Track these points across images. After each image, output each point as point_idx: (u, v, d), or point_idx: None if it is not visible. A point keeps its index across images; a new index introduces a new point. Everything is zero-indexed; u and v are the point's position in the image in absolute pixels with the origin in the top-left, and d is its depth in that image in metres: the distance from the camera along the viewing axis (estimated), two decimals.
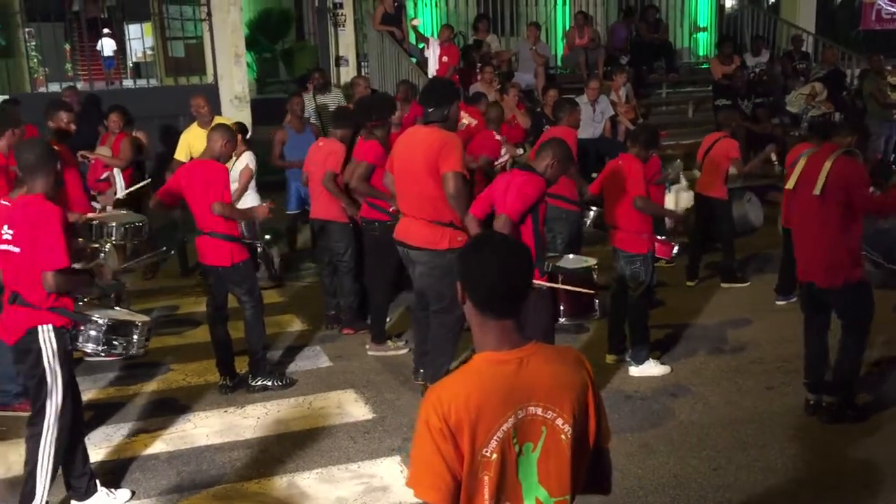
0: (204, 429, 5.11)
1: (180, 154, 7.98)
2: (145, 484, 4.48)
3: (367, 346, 6.32)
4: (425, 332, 5.45)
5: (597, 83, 10.34)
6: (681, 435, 4.94)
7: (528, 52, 12.08)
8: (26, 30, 15.94)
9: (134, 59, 19.77)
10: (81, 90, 11.98)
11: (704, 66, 14.83)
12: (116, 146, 7.92)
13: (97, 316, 4.26)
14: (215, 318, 5.66)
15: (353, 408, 5.39)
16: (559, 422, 2.06)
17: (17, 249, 3.85)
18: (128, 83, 14.16)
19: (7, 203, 4.52)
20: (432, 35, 12.51)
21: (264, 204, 5.97)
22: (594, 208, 6.97)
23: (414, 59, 11.66)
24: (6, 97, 9.63)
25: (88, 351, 4.28)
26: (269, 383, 5.64)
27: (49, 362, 3.91)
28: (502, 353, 2.05)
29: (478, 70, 10.90)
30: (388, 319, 6.56)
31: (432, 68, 11.39)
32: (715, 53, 13.90)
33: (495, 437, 1.98)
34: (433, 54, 11.47)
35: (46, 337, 3.91)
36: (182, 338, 6.64)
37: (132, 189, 7.56)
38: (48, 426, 3.96)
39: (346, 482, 4.47)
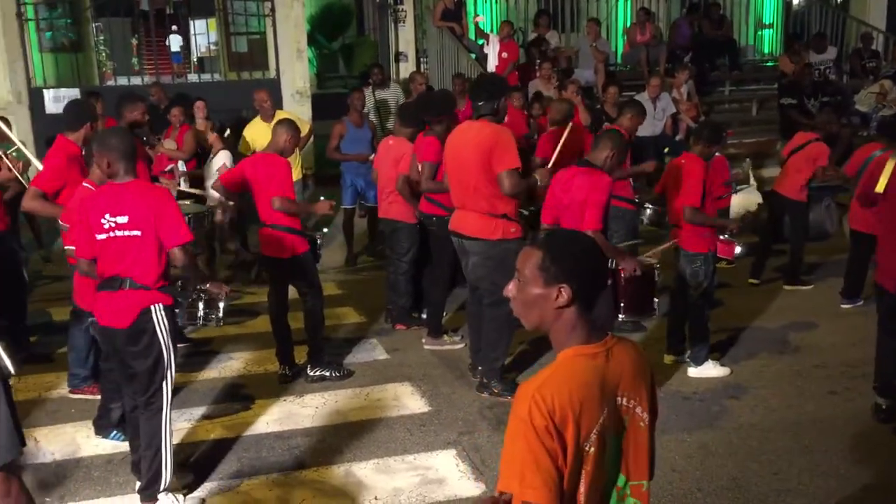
0: (263, 416, 5.20)
1: (243, 147, 8.14)
2: (207, 468, 4.58)
3: (424, 340, 6.36)
4: (480, 328, 5.47)
5: (658, 80, 10.22)
6: (740, 438, 4.87)
7: (588, 49, 11.99)
8: (95, 25, 16.38)
9: (198, 54, 20.17)
10: (147, 84, 12.26)
11: (769, 63, 14.53)
12: (180, 139, 8.10)
13: (197, 290, 4.46)
14: (276, 308, 5.76)
15: (410, 400, 5.43)
16: (639, 410, 2.10)
17: (136, 233, 3.89)
18: (192, 78, 14.45)
19: (88, 185, 4.63)
20: (492, 31, 12.50)
21: (326, 201, 6.04)
22: (650, 206, 6.90)
23: (473, 56, 11.66)
24: (77, 91, 9.91)
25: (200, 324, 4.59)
26: (327, 374, 5.71)
27: (164, 340, 4.02)
28: (591, 346, 2.05)
29: (537, 66, 10.87)
30: (444, 314, 6.59)
31: (492, 64, 11.38)
32: (782, 51, 13.62)
33: (594, 431, 1.98)
34: (493, 50, 11.46)
35: (159, 316, 4.00)
36: (243, 328, 6.76)
37: (195, 191, 7.70)
38: (166, 403, 4.09)
39: (402, 473, 4.51)
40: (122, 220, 3.91)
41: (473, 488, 4.27)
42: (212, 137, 7.87)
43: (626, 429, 2.09)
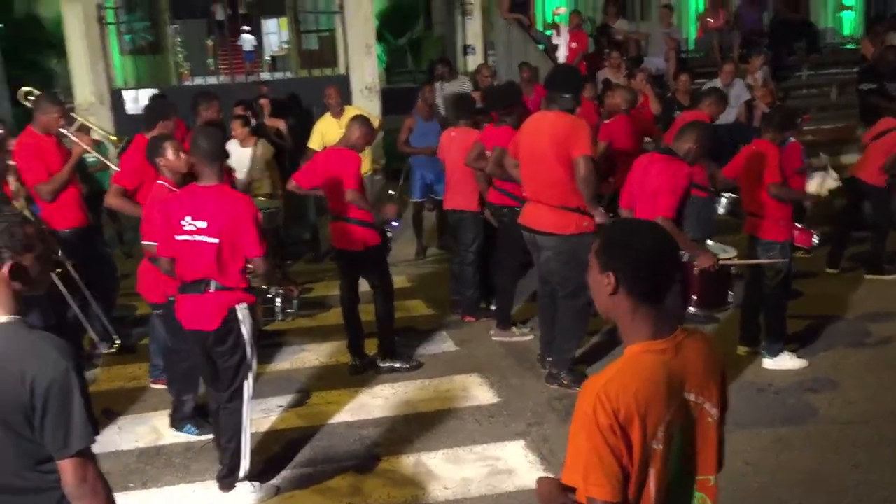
0: (335, 407, 5.30)
1: (314, 143, 8.27)
2: (282, 457, 4.69)
3: (492, 332, 6.37)
4: (551, 320, 5.45)
5: (731, 66, 9.97)
6: (818, 430, 4.75)
7: (659, 36, 11.79)
8: (173, 27, 16.87)
9: (270, 53, 20.58)
10: (221, 83, 12.58)
11: (850, 46, 14.03)
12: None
13: (273, 290, 4.60)
14: (347, 300, 5.85)
15: (479, 392, 5.45)
16: (707, 405, 2.06)
17: (214, 241, 3.96)
18: (265, 76, 14.74)
19: (166, 184, 4.77)
20: (561, 21, 12.41)
21: (393, 204, 6.10)
22: (726, 195, 6.75)
23: (542, 47, 11.60)
24: (156, 91, 10.22)
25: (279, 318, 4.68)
26: (397, 365, 5.78)
27: (247, 339, 4.13)
28: (659, 342, 2.01)
29: (605, 55, 10.75)
30: (513, 305, 6.58)
31: (561, 55, 11.31)
32: (863, 33, 13.14)
33: (661, 428, 1.95)
34: (562, 41, 11.38)
35: (244, 315, 4.11)
36: (315, 320, 6.87)
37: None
38: (247, 398, 4.21)
39: (471, 464, 4.54)
40: (202, 224, 4.00)
41: None
42: (241, 132, 7.91)
43: (695, 424, 2.05)
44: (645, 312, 2.01)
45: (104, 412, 5.14)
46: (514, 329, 6.36)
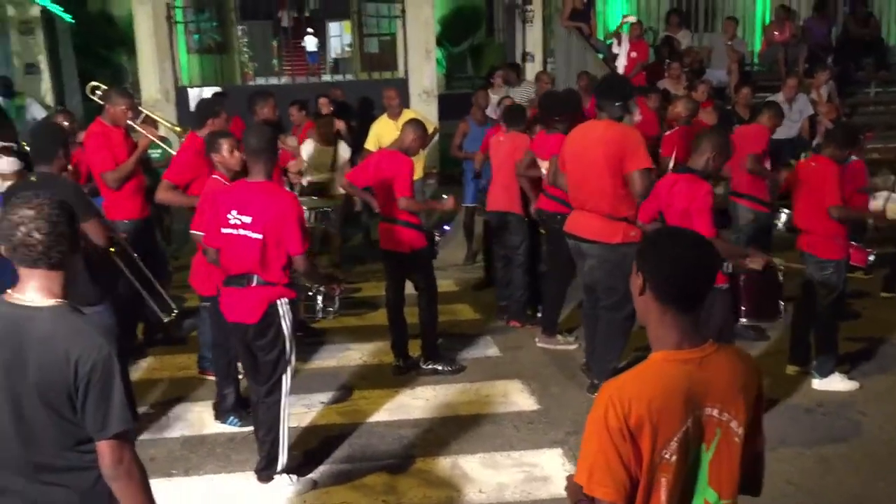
0: (376, 406, 5.34)
1: (370, 143, 8.36)
2: (320, 452, 4.75)
3: (537, 338, 6.36)
4: (595, 330, 5.42)
5: (795, 80, 9.78)
6: (865, 454, 4.62)
7: (722, 48, 11.62)
8: (240, 27, 17.23)
9: (333, 56, 20.87)
10: (283, 84, 12.81)
11: None
12: (302, 136, 8.39)
13: (315, 287, 4.70)
14: (393, 302, 5.90)
15: (519, 398, 5.45)
16: (733, 424, 2.02)
17: (258, 236, 4.05)
18: (326, 77, 14.95)
19: (220, 178, 4.90)
20: (622, 30, 12.32)
21: (451, 197, 6.12)
22: (786, 210, 6.61)
23: (601, 56, 11.53)
24: (217, 90, 10.46)
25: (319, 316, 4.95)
26: (440, 367, 5.81)
27: (287, 333, 4.21)
28: (683, 352, 2.00)
29: (666, 66, 10.63)
30: (560, 313, 6.55)
31: (621, 64, 11.22)
32: None
33: (675, 439, 1.94)
34: (622, 50, 11.29)
35: (284, 310, 4.18)
36: (361, 319, 6.95)
37: (317, 180, 7.97)
38: (285, 393, 4.28)
39: (507, 469, 4.54)
40: (247, 219, 4.08)
41: None
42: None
43: (718, 442, 2.01)
44: (672, 320, 2.00)
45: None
46: (559, 337, 6.33)
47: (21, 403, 2.22)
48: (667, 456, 1.94)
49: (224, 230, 4.15)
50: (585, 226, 5.20)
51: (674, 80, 10.23)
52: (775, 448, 4.52)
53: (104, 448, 2.24)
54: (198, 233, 4.75)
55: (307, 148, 8.21)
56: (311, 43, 21.08)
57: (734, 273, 4.92)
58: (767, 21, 13.35)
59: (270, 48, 20.90)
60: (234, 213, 4.11)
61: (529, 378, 5.73)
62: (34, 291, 2.23)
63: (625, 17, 12.17)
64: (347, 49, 19.53)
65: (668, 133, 7.56)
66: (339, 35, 19.98)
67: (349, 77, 16.30)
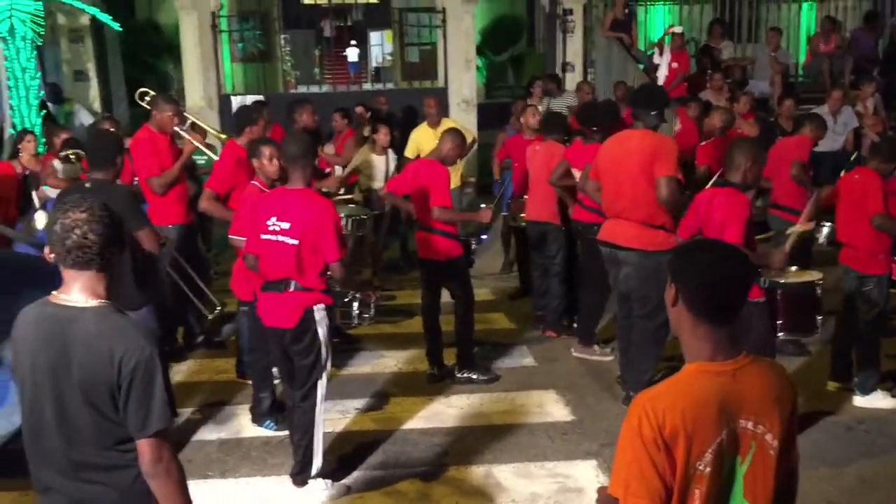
0: (410, 413, 5.37)
1: (409, 152, 8.42)
2: (354, 458, 4.78)
3: (574, 348, 6.33)
4: (629, 340, 5.39)
5: (840, 93, 9.63)
6: None
7: (766, 59, 11.49)
8: (283, 36, 17.45)
9: (375, 64, 21.03)
10: (326, 92, 12.94)
11: None
12: (341, 145, 8.47)
13: (351, 294, 4.76)
14: (429, 310, 5.92)
15: (554, 408, 5.43)
16: (768, 437, 2.01)
17: (295, 242, 4.11)
18: (367, 86, 15.07)
19: (258, 185, 4.97)
20: (664, 40, 12.25)
21: (487, 208, 6.14)
22: (828, 224, 6.51)
23: (642, 66, 11.48)
24: (259, 98, 10.61)
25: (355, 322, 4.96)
26: (475, 376, 5.81)
27: (323, 339, 4.26)
28: (717, 364, 1.99)
29: (708, 77, 10.55)
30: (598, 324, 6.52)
31: (661, 75, 11.14)
32: None
33: (709, 451, 1.93)
34: (663, 61, 11.22)
35: (321, 316, 4.24)
36: (397, 327, 6.99)
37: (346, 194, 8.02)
38: (321, 398, 4.33)
39: (541, 479, 4.52)
40: (285, 225, 4.15)
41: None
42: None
43: (753, 455, 2.00)
44: (705, 332, 2.00)
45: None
46: (595, 347, 6.30)
47: (65, 402, 2.28)
48: (701, 467, 1.93)
49: (263, 236, 4.22)
50: (621, 233, 5.19)
51: (716, 92, 10.14)
52: (815, 466, 4.45)
53: (144, 446, 2.29)
54: (237, 238, 4.83)
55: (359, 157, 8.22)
56: (352, 53, 21.28)
57: (771, 287, 4.87)
58: (812, 32, 13.17)
59: (313, 57, 21.13)
60: (273, 219, 4.18)
61: (564, 388, 5.71)
62: (79, 292, 2.29)
63: (669, 27, 12.08)
64: (388, 58, 19.67)
65: (703, 144, 7.50)
66: (381, 44, 20.13)
67: (390, 86, 16.41)
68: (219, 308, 6.19)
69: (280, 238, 4.16)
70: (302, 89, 16.06)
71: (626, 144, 5.14)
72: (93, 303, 2.29)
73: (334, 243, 4.14)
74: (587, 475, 4.56)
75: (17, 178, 6.41)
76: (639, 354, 5.28)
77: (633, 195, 5.08)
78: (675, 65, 10.94)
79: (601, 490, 2.14)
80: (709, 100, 9.83)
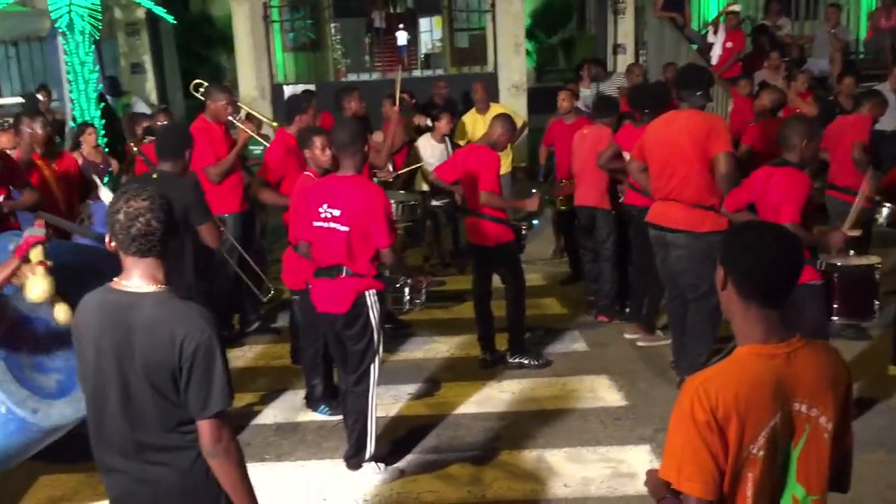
0: (463, 398, 5.40)
1: (458, 137, 8.42)
2: (407, 441, 4.84)
3: (636, 336, 6.24)
4: (682, 324, 5.34)
5: None
6: None
7: (824, 37, 11.19)
8: (333, 25, 17.55)
9: (425, 51, 21.05)
10: (376, 80, 13.00)
11: None
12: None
13: (402, 279, 4.82)
14: (480, 295, 5.94)
15: (606, 393, 5.41)
16: (822, 420, 1.99)
17: (346, 229, 4.17)
18: (417, 73, 15.09)
19: (311, 175, 5.03)
20: (720, 20, 12.01)
21: (535, 196, 6.12)
22: (888, 205, 6.34)
23: (695, 46, 11.27)
24: (309, 87, 10.71)
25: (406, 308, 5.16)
26: (526, 361, 5.82)
27: (375, 324, 4.32)
28: (770, 346, 1.97)
29: (765, 56, 10.31)
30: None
31: (716, 55, 10.94)
32: None
33: (763, 434, 1.92)
34: (718, 40, 11.00)
35: (372, 301, 4.29)
36: (449, 312, 7.02)
37: (402, 171, 8.05)
38: (374, 382, 4.39)
39: (593, 464, 4.52)
40: (336, 212, 4.20)
41: None
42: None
43: (807, 438, 1.99)
44: (755, 314, 1.98)
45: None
46: (659, 333, 6.20)
47: (129, 386, 2.35)
48: (754, 451, 1.92)
49: (315, 223, 4.28)
50: (671, 215, 5.13)
51: (772, 71, 9.91)
52: (874, 450, 4.37)
53: (205, 427, 2.35)
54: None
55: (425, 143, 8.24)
56: (401, 37, 21.33)
57: (828, 269, 4.77)
58: (873, 7, 12.77)
59: (363, 45, 21.22)
60: (324, 206, 4.23)
61: (617, 374, 5.69)
62: (139, 279, 2.36)
63: (727, 6, 11.82)
64: (438, 44, 19.67)
65: (752, 123, 7.35)
66: (430, 30, 20.15)
67: (439, 72, 16.40)
68: (272, 292, 6.29)
69: (331, 225, 4.21)
70: (352, 77, 16.14)
71: (674, 125, 5.08)
72: (153, 288, 2.36)
73: (385, 229, 4.18)
74: (640, 460, 4.54)
75: (80, 169, 6.58)
76: (693, 339, 5.22)
77: (684, 176, 5.01)
78: (729, 44, 10.72)
79: (651, 473, 2.14)
80: (765, 80, 9.62)
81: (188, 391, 2.32)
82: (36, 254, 3.19)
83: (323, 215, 4.24)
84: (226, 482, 2.39)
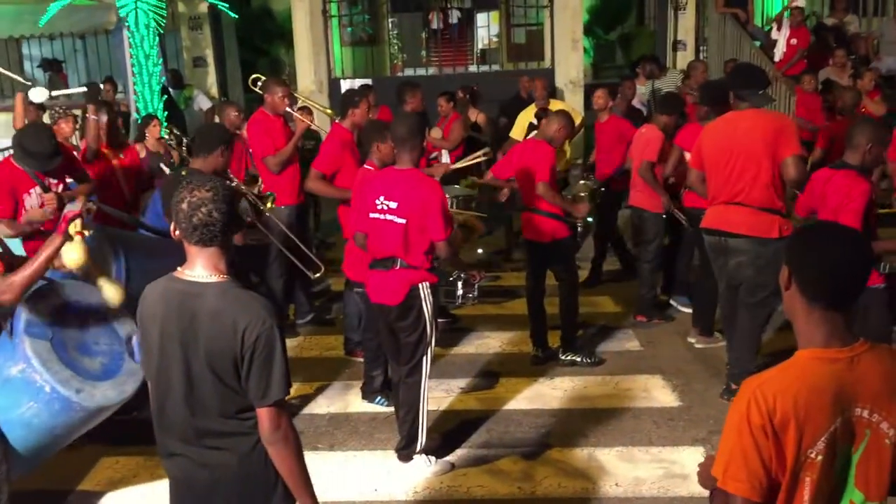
0: (514, 394, 5.40)
1: (515, 133, 8.40)
2: (459, 436, 4.86)
3: (694, 339, 6.15)
4: (735, 327, 5.26)
5: None
6: None
7: (893, 33, 10.88)
8: (390, 20, 17.66)
9: (481, 46, 21.00)
10: (432, 75, 13.04)
11: None
12: (447, 128, 8.51)
13: (455, 273, 4.85)
14: (533, 291, 5.92)
15: (660, 393, 5.36)
16: (884, 426, 1.95)
17: (402, 221, 4.22)
18: (473, 68, 15.09)
19: (371, 168, 5.09)
20: (784, 15, 11.76)
21: (585, 204, 6.08)
22: None
23: (758, 43, 11.06)
24: (367, 82, 10.79)
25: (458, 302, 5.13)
26: (579, 359, 5.79)
27: (428, 316, 4.36)
28: (832, 351, 1.93)
29: (830, 53, 10.08)
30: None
31: (779, 51, 10.72)
32: None
33: (822, 439, 1.89)
34: (781, 37, 10.78)
35: (426, 293, 4.34)
36: (501, 308, 7.01)
37: (459, 165, 8.06)
38: (426, 374, 4.43)
39: (645, 464, 4.48)
40: (393, 205, 4.25)
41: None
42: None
43: (867, 443, 1.95)
44: (819, 317, 1.94)
45: None
46: (717, 335, 6.09)
47: (192, 373, 2.41)
48: (812, 455, 1.89)
49: (371, 215, 4.33)
50: (735, 221, 4.99)
51: (838, 68, 9.68)
52: None
53: (264, 414, 2.40)
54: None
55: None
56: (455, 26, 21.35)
57: (892, 273, 4.64)
58: None
59: (419, 40, 21.28)
60: (381, 198, 4.29)
61: (671, 374, 5.62)
62: (202, 268, 2.41)
63: (791, 1, 11.57)
64: (494, 39, 19.63)
65: (827, 125, 7.18)
66: (488, 26, 20.09)
67: (496, 67, 16.37)
68: (322, 269, 6.37)
69: (388, 217, 4.26)
70: (409, 72, 16.22)
71: (739, 125, 4.95)
72: (216, 278, 2.41)
73: (440, 222, 4.21)
74: (694, 461, 4.43)
75: (143, 161, 6.74)
76: (744, 344, 5.12)
77: (753, 177, 4.87)
78: (794, 41, 10.51)
79: (704, 463, 2.13)
80: (829, 78, 9.41)
81: (249, 379, 2.37)
82: (74, 226, 3.36)
83: (379, 207, 4.29)
84: (283, 468, 2.44)
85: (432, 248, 4.30)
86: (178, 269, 2.46)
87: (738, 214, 4.97)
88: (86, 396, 3.44)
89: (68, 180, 5.28)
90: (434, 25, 19.84)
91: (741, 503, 1.90)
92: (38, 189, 5.00)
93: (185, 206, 2.34)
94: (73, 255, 3.40)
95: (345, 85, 12.00)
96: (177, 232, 2.41)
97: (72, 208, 3.38)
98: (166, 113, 9.51)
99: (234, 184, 4.94)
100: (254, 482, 2.47)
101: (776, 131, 4.82)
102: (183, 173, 4.64)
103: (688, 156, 6.00)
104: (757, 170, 4.87)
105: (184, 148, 7.77)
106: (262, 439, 2.43)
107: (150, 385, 2.56)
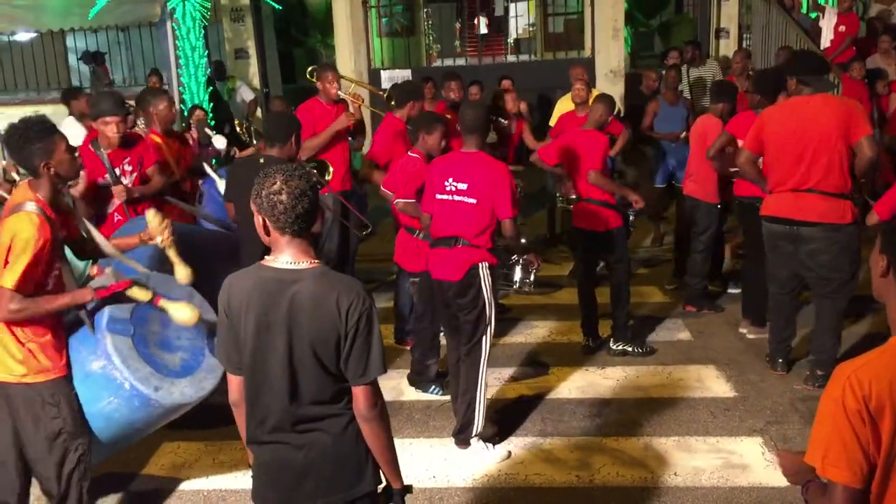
0: (566, 383, 5.40)
1: (554, 121, 8.37)
2: (513, 424, 4.86)
3: (746, 330, 6.10)
4: (789, 317, 5.22)
5: None
6: None
7: None
8: (425, 10, 17.65)
9: (516, 35, 20.91)
10: (467, 65, 13.02)
11: None
12: None
13: (515, 257, 4.91)
14: (584, 280, 5.91)
15: (714, 384, 5.32)
16: None
17: (472, 201, 4.35)
18: (511, 58, 15.03)
19: (417, 157, 5.15)
20: (828, 3, 11.56)
21: (636, 194, 6.04)
22: None
23: (804, 30, 10.87)
24: (407, 72, 10.81)
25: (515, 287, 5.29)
26: (630, 349, 5.77)
27: (487, 296, 4.42)
28: None
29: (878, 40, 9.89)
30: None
31: (826, 39, 10.54)
32: None
33: None
34: (828, 24, 10.60)
35: (485, 273, 4.41)
36: (548, 298, 7.00)
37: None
38: (484, 355, 4.47)
39: (703, 454, 4.46)
40: (462, 186, 4.37)
41: (780, 479, 4.08)
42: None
43: None
44: None
45: None
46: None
47: (294, 360, 2.42)
48: None
49: (439, 196, 4.45)
50: (808, 208, 4.93)
51: (884, 56, 9.50)
52: None
53: (362, 392, 2.44)
54: (388, 192, 5.29)
55: None
56: (482, 25, 21.25)
57: None
58: None
59: (454, 30, 21.23)
60: (450, 180, 4.41)
61: (724, 364, 5.59)
62: (293, 256, 2.43)
63: None
64: (531, 29, 19.51)
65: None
66: (524, 15, 19.99)
67: (532, 57, 16.30)
68: (370, 227, 6.41)
69: (457, 198, 4.38)
70: (446, 62, 16.20)
71: (806, 111, 4.89)
72: (308, 264, 2.43)
73: (509, 201, 4.33)
74: (752, 452, 4.46)
75: (191, 151, 6.79)
76: (828, 331, 5.08)
77: (828, 163, 4.84)
78: (841, 28, 10.31)
79: (786, 455, 2.11)
80: (878, 66, 9.25)
81: (349, 358, 2.40)
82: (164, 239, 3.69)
83: (448, 188, 4.40)
84: (376, 445, 2.49)
85: (498, 227, 4.41)
86: (267, 257, 2.47)
87: (812, 202, 4.93)
88: (164, 394, 3.49)
89: (146, 171, 5.29)
90: (482, 30, 19.85)
91: (841, 492, 1.88)
92: (108, 178, 5.06)
93: (284, 196, 2.33)
94: (183, 315, 3.54)
95: (384, 75, 12.03)
96: (264, 222, 2.41)
97: (102, 283, 3.45)
98: (212, 104, 9.60)
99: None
100: (345, 461, 2.50)
101: (847, 114, 4.82)
102: (261, 160, 4.65)
103: (739, 143, 5.95)
104: (832, 155, 4.84)
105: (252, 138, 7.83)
106: (357, 417, 2.46)
107: (244, 374, 2.52)
